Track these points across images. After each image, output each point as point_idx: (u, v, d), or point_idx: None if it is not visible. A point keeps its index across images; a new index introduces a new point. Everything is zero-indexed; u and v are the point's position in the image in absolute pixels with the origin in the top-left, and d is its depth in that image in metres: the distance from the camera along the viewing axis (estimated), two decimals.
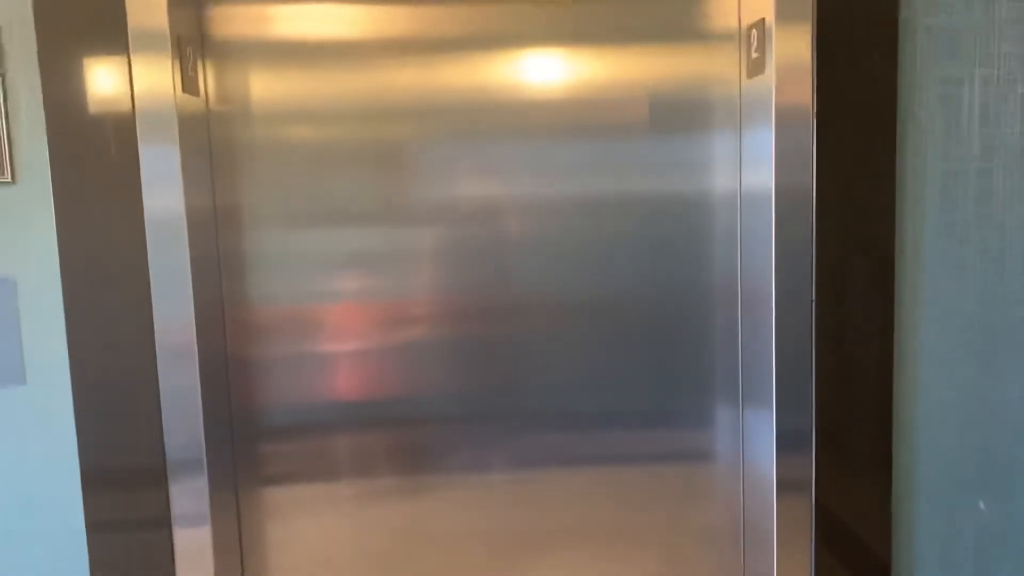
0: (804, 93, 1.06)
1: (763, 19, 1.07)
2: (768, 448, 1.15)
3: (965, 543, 1.19)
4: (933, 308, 1.14)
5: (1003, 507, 1.18)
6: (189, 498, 1.09)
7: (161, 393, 1.07)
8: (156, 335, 1.06)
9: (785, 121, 1.06)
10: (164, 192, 1.04)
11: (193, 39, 1.09)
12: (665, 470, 1.27)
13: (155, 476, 1.09)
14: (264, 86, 1.15)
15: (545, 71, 1.17)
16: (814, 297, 1.09)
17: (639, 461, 1.26)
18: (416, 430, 1.23)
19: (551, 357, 1.22)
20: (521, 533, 1.26)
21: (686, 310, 1.23)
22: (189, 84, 1.07)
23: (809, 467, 1.14)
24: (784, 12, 1.05)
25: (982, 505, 1.18)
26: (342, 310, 1.21)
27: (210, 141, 1.14)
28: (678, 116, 1.19)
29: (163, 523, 1.09)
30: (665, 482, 1.27)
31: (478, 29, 1.17)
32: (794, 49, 1.05)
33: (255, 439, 1.21)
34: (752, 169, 1.14)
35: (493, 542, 1.27)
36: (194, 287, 1.06)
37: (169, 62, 1.02)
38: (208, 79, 1.13)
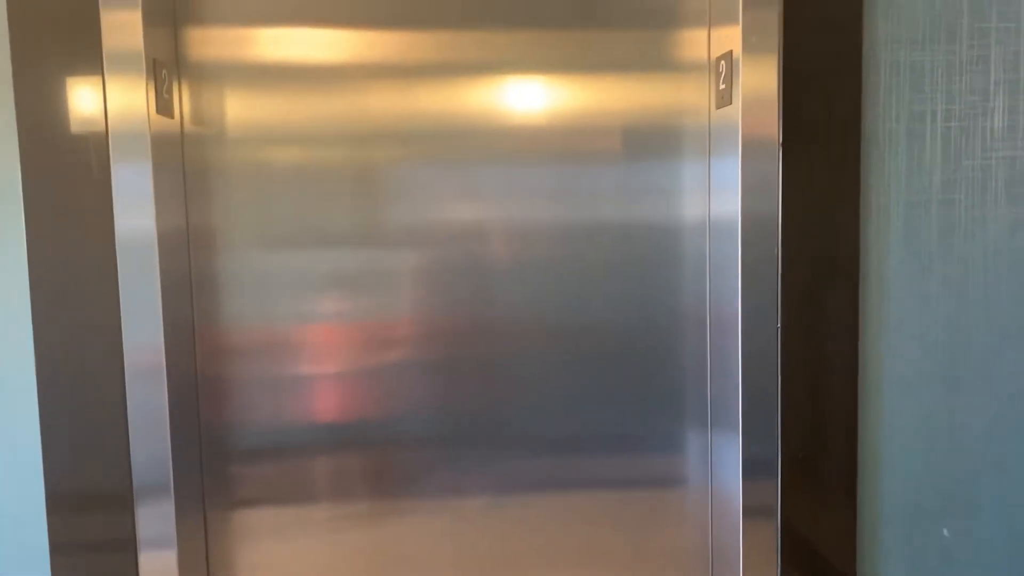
0: (770, 124, 1.08)
1: (731, 51, 1.10)
2: (735, 473, 1.16)
3: (930, 569, 1.20)
4: (897, 336, 1.16)
5: (967, 533, 1.19)
6: (155, 521, 1.08)
7: (129, 414, 1.06)
8: (125, 356, 1.06)
9: (751, 151, 1.08)
10: (136, 213, 1.04)
11: (168, 61, 1.10)
12: (635, 495, 1.27)
13: (121, 498, 1.08)
14: (240, 108, 1.16)
15: (521, 99, 1.19)
16: (780, 324, 1.11)
17: (609, 485, 1.27)
18: (384, 453, 1.22)
19: (521, 382, 1.22)
20: (491, 557, 1.26)
21: (657, 335, 1.24)
22: (163, 106, 1.07)
23: (775, 493, 1.15)
24: (751, 45, 1.08)
25: (946, 532, 1.19)
26: (315, 331, 1.21)
27: (184, 162, 1.15)
28: (650, 144, 1.21)
29: (128, 546, 1.09)
30: (634, 506, 1.28)
31: (454, 56, 1.18)
32: (760, 81, 1.08)
33: (225, 461, 1.21)
34: (720, 197, 1.16)
35: (463, 565, 1.26)
36: (164, 308, 1.06)
37: (143, 83, 1.03)
38: (184, 101, 1.14)
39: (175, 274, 1.10)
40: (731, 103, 1.10)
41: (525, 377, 1.22)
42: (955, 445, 1.18)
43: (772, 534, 1.16)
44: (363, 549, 1.24)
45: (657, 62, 1.19)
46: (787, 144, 1.08)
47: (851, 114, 1.10)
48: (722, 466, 1.21)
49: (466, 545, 1.26)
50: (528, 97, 1.19)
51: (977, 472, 1.18)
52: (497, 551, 1.26)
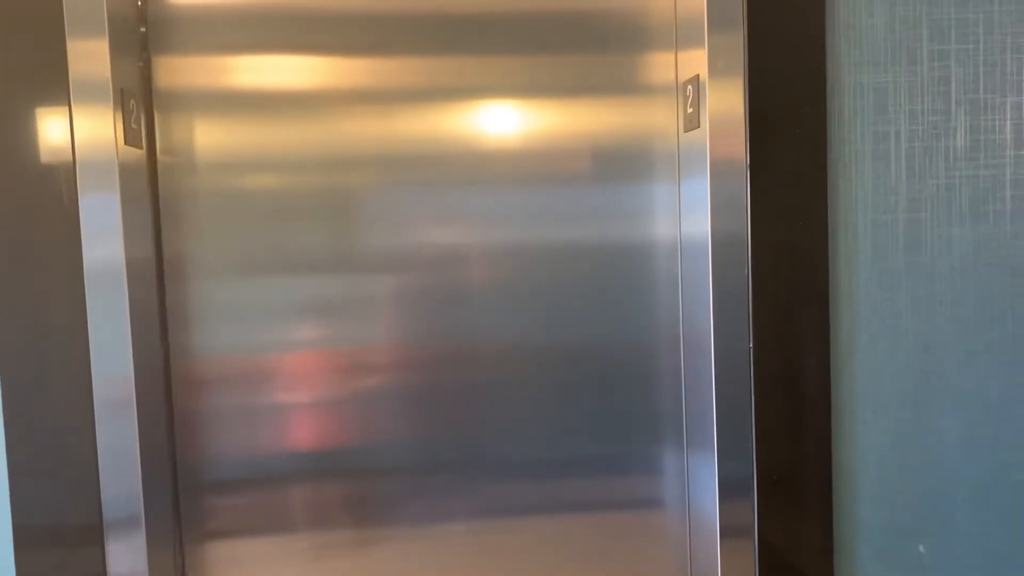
0: (737, 146, 1.09)
1: (697, 75, 1.11)
2: (711, 494, 1.16)
3: None
4: (868, 355, 1.16)
5: (942, 550, 1.20)
6: (126, 555, 1.07)
7: (99, 448, 1.05)
8: (94, 388, 1.04)
9: (720, 172, 1.10)
10: (104, 244, 1.04)
11: (136, 91, 1.10)
12: (612, 516, 1.27)
13: (91, 533, 1.06)
14: (211, 136, 1.15)
15: (492, 124, 1.20)
16: (751, 344, 1.11)
17: (585, 508, 1.26)
18: (362, 481, 1.22)
19: (495, 406, 1.22)
20: None
21: (631, 357, 1.24)
22: (131, 136, 1.07)
23: (751, 512, 1.15)
24: (717, 69, 1.09)
25: (922, 548, 1.19)
26: (292, 359, 1.20)
27: (155, 192, 1.14)
28: (621, 167, 1.22)
29: None
30: (611, 529, 1.27)
31: (424, 81, 1.19)
32: (727, 104, 1.09)
33: (200, 493, 1.19)
34: (690, 219, 1.17)
35: None
36: (134, 339, 1.05)
37: (111, 114, 1.02)
38: (155, 130, 1.14)
39: (145, 304, 1.10)
40: (699, 126, 1.11)
41: (499, 401, 1.22)
42: (928, 462, 1.19)
43: (750, 554, 1.16)
44: None
45: (626, 85, 1.21)
46: (755, 165, 1.09)
47: (817, 135, 1.12)
48: (699, 487, 1.21)
49: (444, 572, 1.25)
50: (499, 122, 1.20)
51: (950, 488, 1.19)
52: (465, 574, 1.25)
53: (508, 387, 1.22)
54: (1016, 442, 1.19)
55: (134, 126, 1.07)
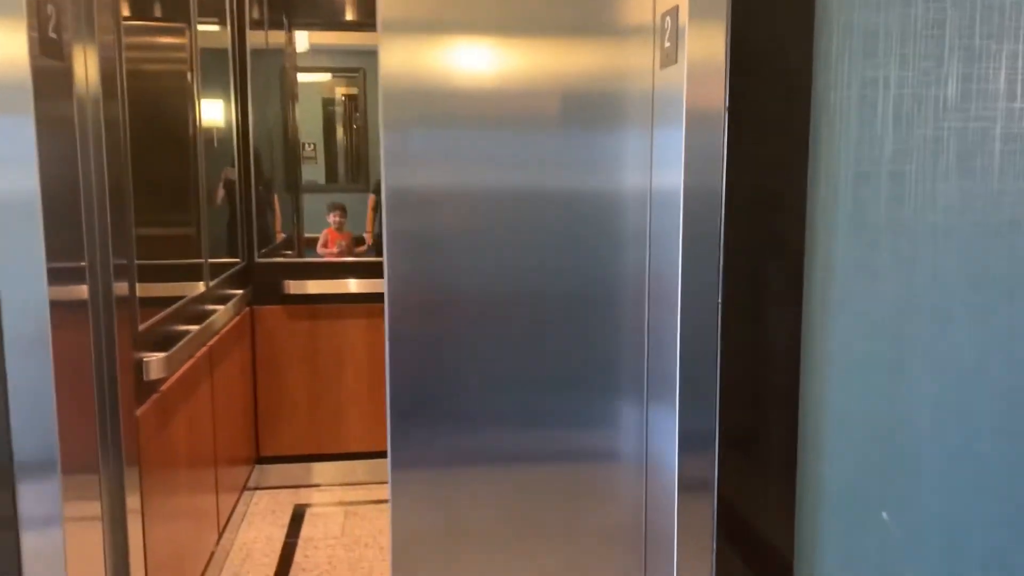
0: (716, 86, 1.02)
1: (676, 6, 1.03)
2: (671, 447, 1.11)
3: (867, 550, 1.16)
4: (842, 314, 1.11)
5: (905, 517, 1.16)
6: (39, 499, 0.99)
7: (9, 388, 0.97)
8: (3, 324, 0.96)
9: (696, 114, 1.02)
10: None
11: None
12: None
13: (1, 475, 0.99)
14: None
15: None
16: (720, 299, 1.05)
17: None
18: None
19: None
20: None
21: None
22: (49, 47, 0.97)
23: (712, 468, 1.10)
24: (698, 3, 1.01)
25: (885, 515, 1.15)
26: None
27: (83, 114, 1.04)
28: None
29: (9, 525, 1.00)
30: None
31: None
32: (707, 38, 1.01)
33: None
34: (663, 166, 1.10)
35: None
36: (49, 271, 0.96)
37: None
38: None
39: (67, 231, 1.01)
40: (676, 62, 1.03)
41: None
42: (898, 427, 1.14)
43: (708, 510, 1.11)
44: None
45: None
46: (734, 108, 1.02)
47: (801, 77, 1.04)
48: (659, 440, 1.16)
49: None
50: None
51: (918, 455, 1.15)
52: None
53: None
54: (987, 410, 1.15)
55: (52, 35, 0.97)
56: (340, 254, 3.31)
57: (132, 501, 1.38)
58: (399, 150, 1.10)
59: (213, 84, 2.86)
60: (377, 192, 3.50)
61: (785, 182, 1.05)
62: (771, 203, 1.05)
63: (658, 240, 1.11)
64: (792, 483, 1.13)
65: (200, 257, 2.40)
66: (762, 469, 1.12)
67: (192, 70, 2.45)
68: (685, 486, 1.11)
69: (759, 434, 1.11)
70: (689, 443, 1.09)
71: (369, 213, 3.45)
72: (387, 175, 1.10)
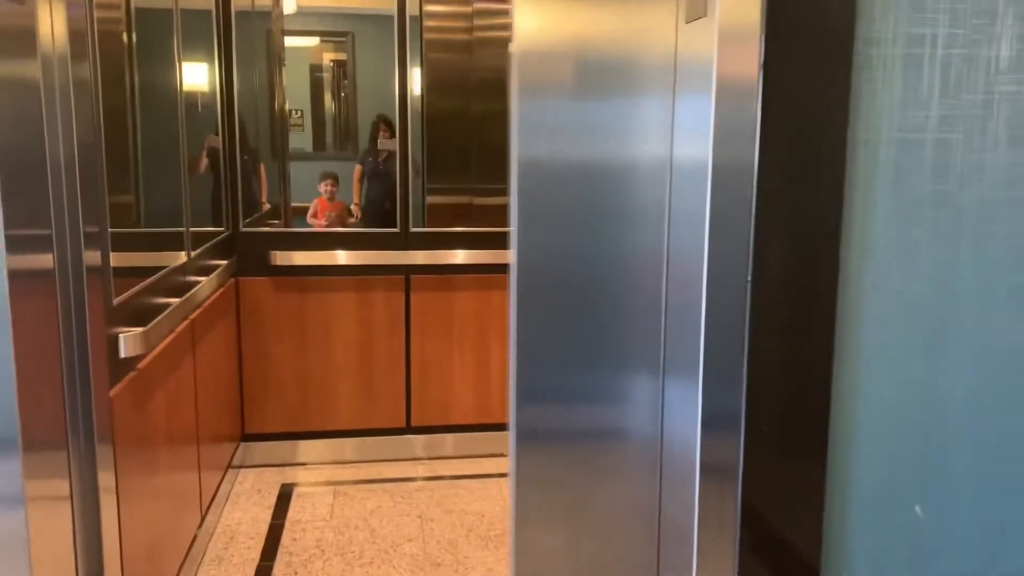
0: (750, 43, 0.92)
1: None
2: (692, 428, 1.03)
3: (898, 546, 1.09)
4: (879, 296, 1.02)
5: (940, 512, 1.08)
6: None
7: None
8: None
9: (729, 75, 0.92)
10: None
11: None
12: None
13: None
14: None
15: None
16: (750, 277, 0.96)
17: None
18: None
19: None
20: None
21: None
22: None
23: (736, 454, 1.03)
24: None
25: (918, 509, 1.08)
26: None
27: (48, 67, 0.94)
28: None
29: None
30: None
31: None
32: None
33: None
34: (686, 136, 1.00)
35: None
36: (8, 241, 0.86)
37: None
38: None
39: (29, 197, 0.90)
40: (704, 15, 0.93)
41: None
42: (934, 418, 1.06)
43: (732, 497, 1.04)
44: None
45: None
46: (769, 66, 0.92)
47: (842, 35, 0.95)
48: (679, 422, 1.08)
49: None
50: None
51: (956, 446, 1.07)
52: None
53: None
54: None
55: None
56: (330, 225, 3.20)
57: (105, 480, 1.29)
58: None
59: (195, 47, 2.73)
60: (363, 162, 3.38)
61: (822, 148, 0.96)
62: (806, 172, 0.96)
63: (681, 209, 1.03)
64: (822, 471, 1.06)
65: (181, 226, 2.29)
66: (790, 458, 1.04)
67: (173, 32, 2.33)
68: (708, 469, 1.03)
69: (787, 422, 1.03)
70: (713, 428, 1.01)
71: (355, 184, 3.32)
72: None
